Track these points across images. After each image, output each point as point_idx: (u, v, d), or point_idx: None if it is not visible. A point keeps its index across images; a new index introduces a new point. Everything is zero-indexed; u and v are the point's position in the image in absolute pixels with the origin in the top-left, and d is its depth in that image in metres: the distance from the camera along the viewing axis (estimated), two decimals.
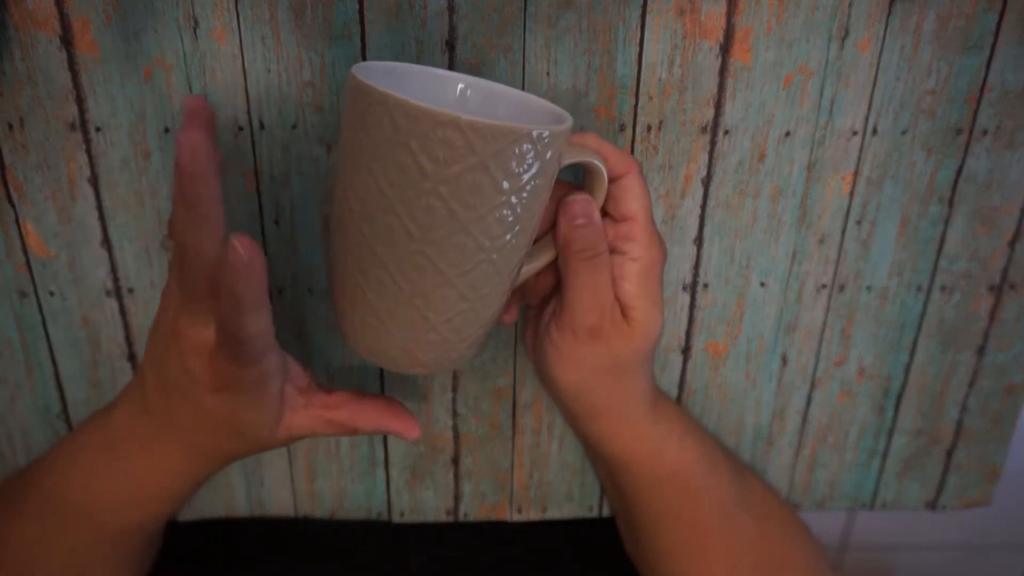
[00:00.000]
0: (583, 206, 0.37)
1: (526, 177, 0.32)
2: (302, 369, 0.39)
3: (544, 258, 0.39)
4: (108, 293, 0.45)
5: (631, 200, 0.37)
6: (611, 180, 0.37)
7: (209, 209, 0.29)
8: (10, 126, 0.41)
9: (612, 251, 0.38)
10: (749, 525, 0.46)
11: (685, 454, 0.44)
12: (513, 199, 0.32)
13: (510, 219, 0.33)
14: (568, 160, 0.35)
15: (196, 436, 0.38)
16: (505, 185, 0.32)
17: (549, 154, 0.32)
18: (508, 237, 0.34)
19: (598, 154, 0.37)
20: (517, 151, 0.31)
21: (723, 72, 0.41)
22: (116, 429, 0.40)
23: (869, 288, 0.47)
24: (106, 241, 0.44)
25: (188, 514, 0.52)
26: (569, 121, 0.34)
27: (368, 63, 0.35)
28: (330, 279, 0.37)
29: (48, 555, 0.42)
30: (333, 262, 0.36)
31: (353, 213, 0.33)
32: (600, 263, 0.37)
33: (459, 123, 0.30)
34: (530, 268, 0.39)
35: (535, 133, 0.31)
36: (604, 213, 0.38)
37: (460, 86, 0.38)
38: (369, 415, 0.40)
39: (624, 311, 0.39)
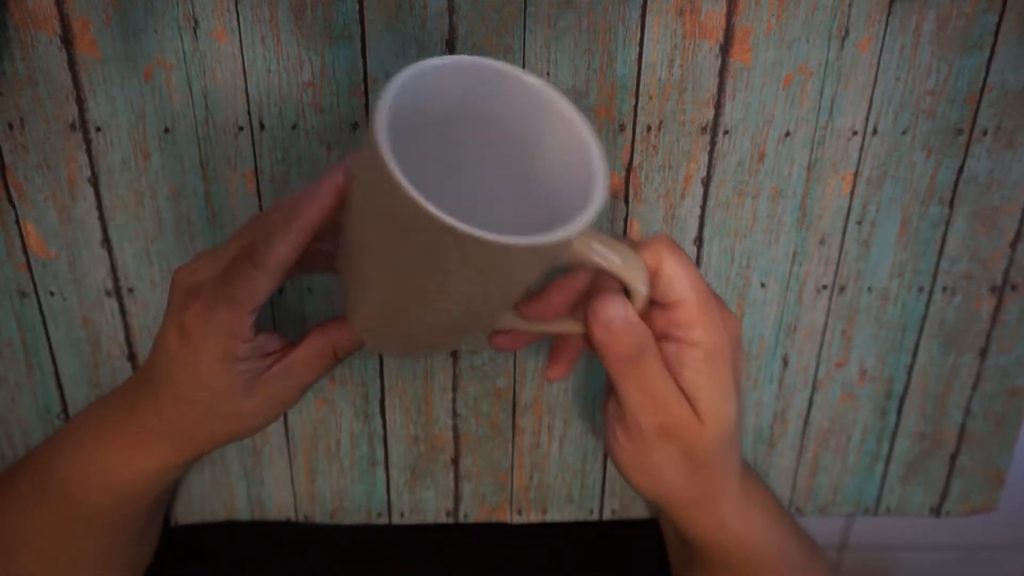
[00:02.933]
0: (614, 308, 0.33)
1: (524, 273, 0.31)
2: (277, 337, 0.38)
3: (566, 328, 0.36)
4: (108, 293, 0.45)
5: (676, 287, 0.33)
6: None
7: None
8: (10, 126, 0.41)
9: (666, 338, 0.35)
10: None
11: (766, 547, 0.41)
12: (508, 287, 0.32)
13: (500, 297, 0.33)
14: (587, 263, 0.32)
15: (170, 404, 0.37)
16: (501, 281, 0.31)
17: (552, 255, 0.31)
18: (499, 305, 0.34)
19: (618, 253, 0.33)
20: (517, 259, 0.30)
21: (723, 72, 0.41)
22: (111, 402, 0.40)
23: (870, 289, 0.47)
24: (106, 241, 0.44)
25: (188, 516, 0.52)
26: (582, 223, 0.30)
27: (417, 68, 0.31)
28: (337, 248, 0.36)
29: (35, 532, 0.42)
30: (340, 240, 0.35)
31: (352, 239, 0.33)
32: (647, 361, 0.34)
33: (457, 235, 0.28)
34: (550, 329, 0.37)
35: (538, 246, 0.29)
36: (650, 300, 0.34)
37: (502, 100, 0.34)
38: (342, 327, 0.37)
39: (691, 402, 0.35)
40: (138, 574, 0.47)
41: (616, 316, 0.33)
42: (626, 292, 0.34)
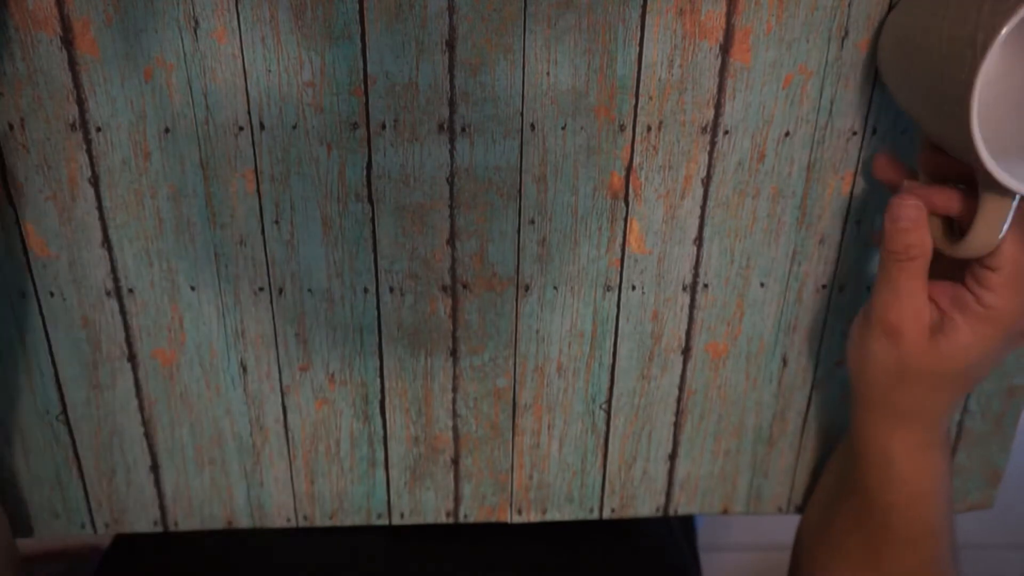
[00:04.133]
0: (908, 211, 0.36)
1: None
2: None
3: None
4: (108, 293, 0.45)
5: (1000, 254, 0.36)
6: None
7: None
8: (10, 126, 0.41)
9: (964, 283, 0.37)
10: None
11: (910, 506, 0.43)
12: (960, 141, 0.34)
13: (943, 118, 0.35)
14: (988, 184, 0.34)
15: None
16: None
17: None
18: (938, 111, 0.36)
19: None
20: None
21: (723, 72, 0.42)
22: None
23: (870, 289, 0.47)
24: (106, 241, 0.44)
25: (187, 519, 0.51)
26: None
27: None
28: None
29: None
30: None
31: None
32: (911, 268, 0.37)
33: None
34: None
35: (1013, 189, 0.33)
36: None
37: None
38: None
39: (939, 331, 0.38)
40: None
41: (906, 217, 0.36)
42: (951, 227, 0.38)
